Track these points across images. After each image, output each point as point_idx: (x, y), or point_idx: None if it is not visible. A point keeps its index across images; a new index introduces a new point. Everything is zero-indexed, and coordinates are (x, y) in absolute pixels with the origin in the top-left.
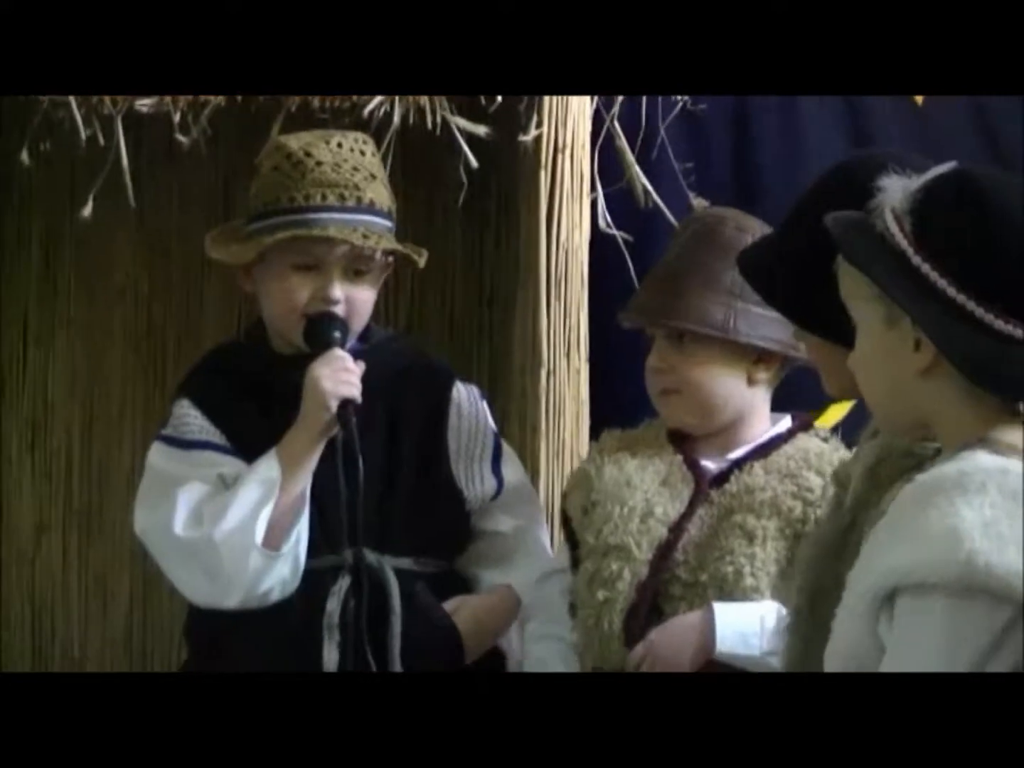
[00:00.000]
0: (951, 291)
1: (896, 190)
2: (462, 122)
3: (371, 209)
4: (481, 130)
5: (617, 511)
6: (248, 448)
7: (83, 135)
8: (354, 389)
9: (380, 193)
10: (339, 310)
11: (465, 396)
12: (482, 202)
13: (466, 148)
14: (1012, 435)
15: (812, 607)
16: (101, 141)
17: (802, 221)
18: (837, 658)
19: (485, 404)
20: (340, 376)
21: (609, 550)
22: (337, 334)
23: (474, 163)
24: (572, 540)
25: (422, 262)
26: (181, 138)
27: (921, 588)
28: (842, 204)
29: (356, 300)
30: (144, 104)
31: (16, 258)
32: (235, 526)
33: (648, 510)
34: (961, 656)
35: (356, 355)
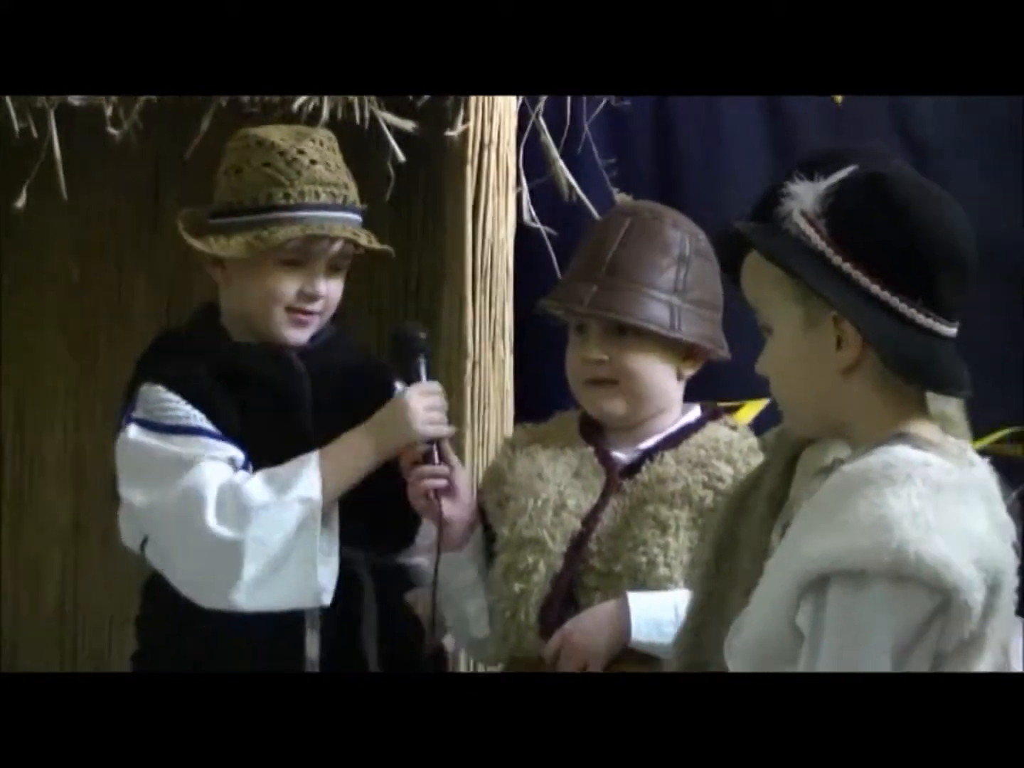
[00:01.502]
0: (875, 288)
1: (806, 194)
2: (390, 117)
3: (354, 207)
4: (408, 125)
5: (531, 504)
6: (224, 437)
7: (16, 128)
8: (443, 429)
9: (355, 190)
10: (319, 305)
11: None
12: (409, 196)
13: (394, 143)
14: (928, 431)
15: (717, 561)
16: (34, 134)
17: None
18: (751, 643)
19: None
20: (433, 416)
21: (524, 543)
22: (423, 357)
23: (401, 158)
24: (488, 533)
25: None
26: (113, 131)
27: (854, 575)
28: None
29: (333, 295)
30: (76, 98)
31: None
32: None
33: (561, 503)
34: (895, 641)
35: (318, 350)
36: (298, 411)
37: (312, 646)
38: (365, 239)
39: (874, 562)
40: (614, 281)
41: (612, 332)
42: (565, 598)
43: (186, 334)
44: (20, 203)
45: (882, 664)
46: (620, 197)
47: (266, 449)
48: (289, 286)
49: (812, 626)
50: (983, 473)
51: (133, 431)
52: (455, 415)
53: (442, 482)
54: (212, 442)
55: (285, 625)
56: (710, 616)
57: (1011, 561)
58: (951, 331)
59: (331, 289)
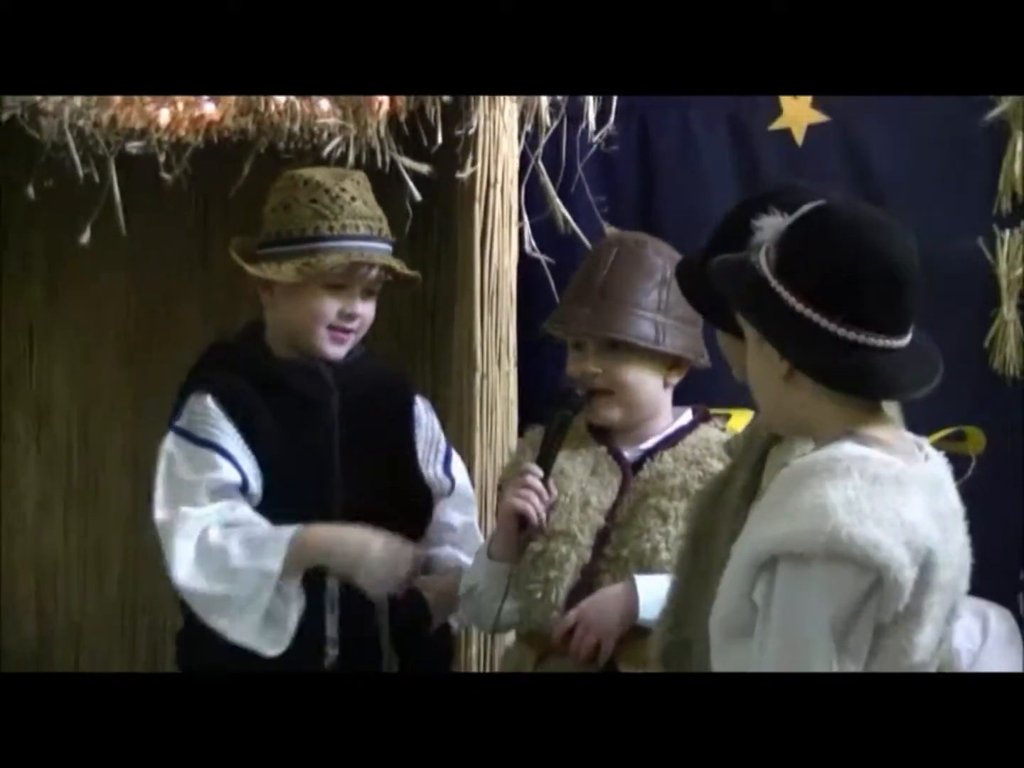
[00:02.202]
0: (799, 306)
1: (770, 227)
2: (407, 161)
3: (387, 239)
4: (424, 168)
5: (561, 499)
6: (260, 445)
7: (81, 173)
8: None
9: (386, 224)
10: (356, 324)
11: (423, 408)
12: (425, 230)
13: (411, 184)
14: (875, 429)
15: (695, 551)
16: (96, 179)
17: (720, 244)
18: (718, 619)
19: (435, 415)
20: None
21: (555, 534)
22: (580, 395)
23: (418, 197)
24: None
25: (419, 282)
26: (165, 175)
27: (796, 556)
28: (748, 230)
29: (368, 315)
30: (134, 146)
31: (23, 275)
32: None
33: (585, 499)
34: (834, 614)
35: (348, 366)
36: (326, 421)
37: (332, 626)
38: (399, 266)
39: (812, 544)
40: (605, 303)
41: (606, 348)
42: (591, 586)
43: (233, 348)
44: (85, 239)
45: (823, 634)
46: (610, 230)
47: (296, 455)
48: (332, 307)
49: (764, 601)
50: (936, 467)
51: (170, 440)
52: (466, 421)
53: (535, 505)
54: (220, 460)
55: (307, 608)
56: (691, 598)
57: (948, 543)
58: (890, 342)
59: (367, 310)
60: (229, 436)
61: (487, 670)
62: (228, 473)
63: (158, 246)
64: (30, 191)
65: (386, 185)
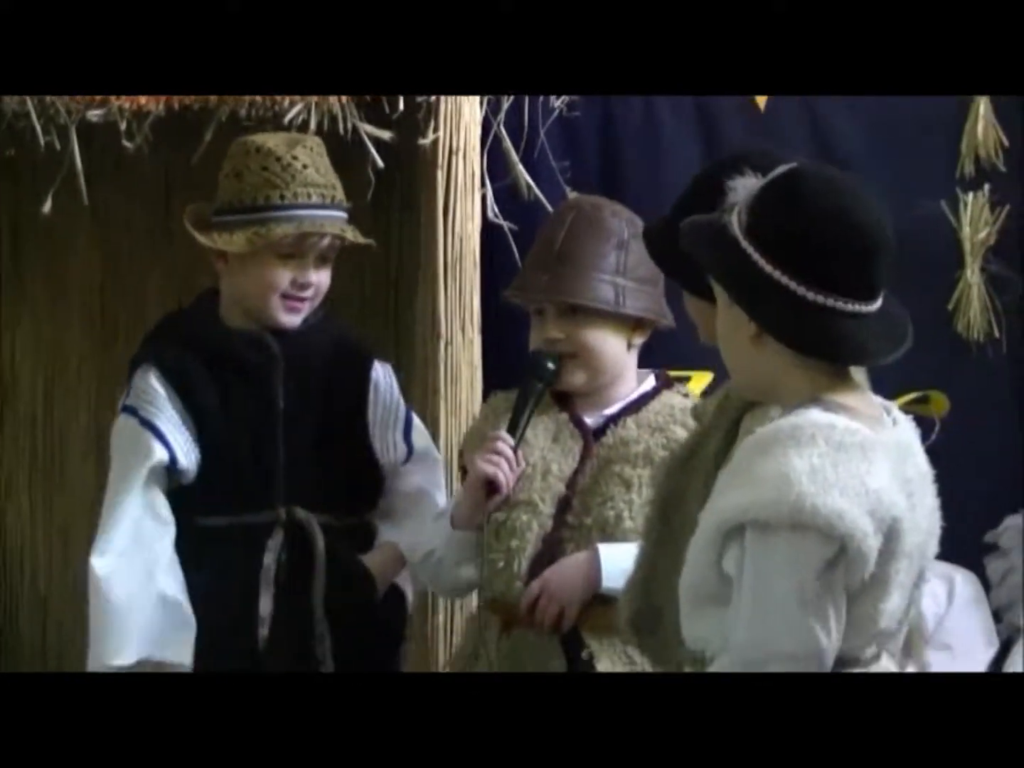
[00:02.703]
0: (768, 268)
1: (742, 189)
2: (369, 128)
3: (341, 205)
4: (386, 135)
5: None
6: (204, 419)
7: (42, 141)
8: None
9: (342, 191)
10: (310, 292)
11: (382, 374)
12: (388, 197)
13: (373, 151)
14: (843, 396)
15: (663, 515)
16: (58, 147)
17: (690, 206)
18: (687, 586)
19: (396, 380)
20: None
21: (517, 503)
22: (552, 367)
23: (380, 164)
24: None
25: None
26: (127, 144)
27: (762, 525)
28: (718, 191)
29: (323, 283)
30: (95, 114)
31: None
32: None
33: (546, 467)
34: (801, 582)
35: (298, 334)
36: (269, 391)
37: (265, 603)
38: (351, 234)
39: (776, 513)
40: (564, 268)
41: (566, 313)
42: (553, 554)
43: (185, 318)
44: (46, 209)
45: (792, 602)
46: (572, 195)
47: (239, 426)
48: (284, 276)
49: (736, 569)
50: (904, 431)
51: (120, 419)
52: (430, 388)
53: (505, 472)
54: (156, 444)
55: (239, 583)
56: (660, 564)
57: (915, 509)
58: (860, 308)
59: (321, 278)
60: (166, 415)
61: (453, 639)
62: (160, 456)
63: (121, 215)
64: None
65: (348, 152)
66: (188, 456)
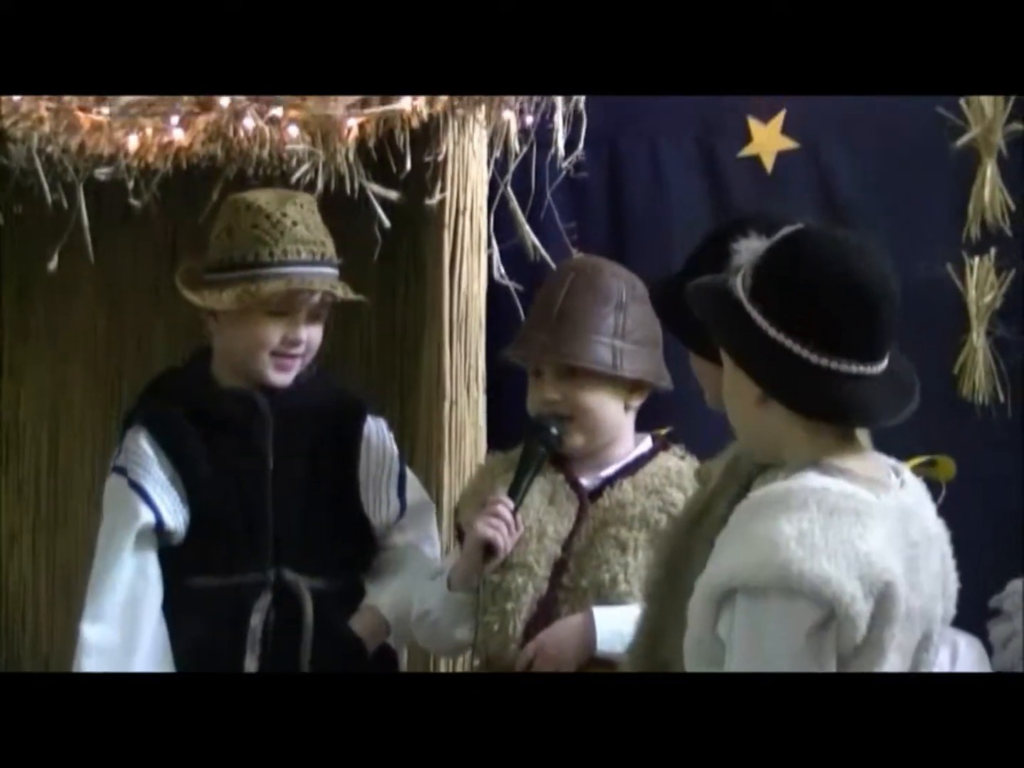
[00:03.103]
0: (772, 331)
1: (747, 252)
2: (376, 188)
3: (331, 262)
4: (393, 195)
5: None
6: (192, 479)
7: (49, 199)
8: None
9: (332, 247)
10: (300, 349)
11: (374, 429)
12: (394, 256)
13: (380, 210)
14: (845, 459)
15: (668, 576)
16: (65, 205)
17: (698, 266)
18: (688, 649)
19: (391, 436)
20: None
21: (512, 566)
22: (555, 432)
23: (387, 223)
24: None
25: (370, 306)
26: (134, 202)
27: (751, 589)
28: (727, 251)
29: (314, 340)
30: (102, 172)
31: None
32: None
33: (542, 530)
34: (790, 646)
35: (289, 392)
36: (259, 450)
37: (250, 664)
38: (341, 291)
39: (764, 577)
40: (562, 330)
41: (564, 374)
42: (548, 616)
43: (177, 377)
44: (52, 265)
45: (781, 664)
46: (579, 256)
47: (227, 485)
48: (274, 333)
49: (729, 633)
50: (911, 493)
51: (110, 480)
52: (435, 448)
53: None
54: (142, 507)
55: (225, 644)
56: (666, 624)
57: (919, 572)
58: (864, 370)
59: (312, 335)
60: (154, 476)
61: None
62: (147, 518)
63: (127, 273)
64: None
65: (355, 211)
66: (175, 517)
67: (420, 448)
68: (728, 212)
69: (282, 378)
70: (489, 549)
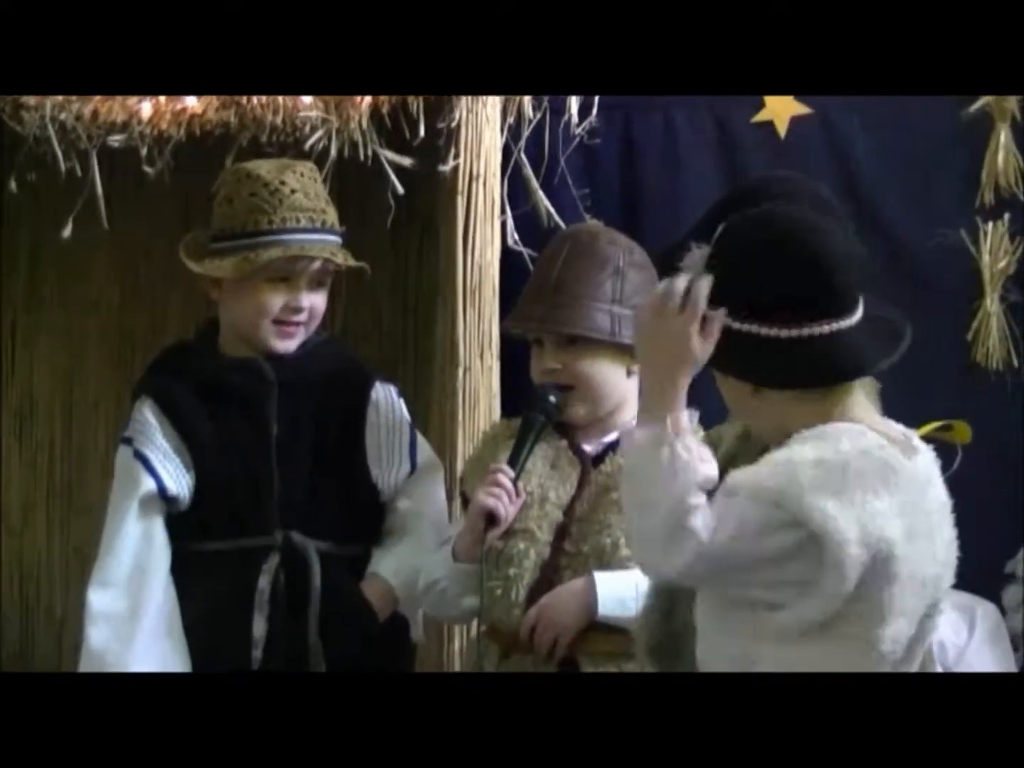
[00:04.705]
0: (735, 325)
1: (692, 263)
2: (390, 155)
3: (332, 229)
4: (406, 161)
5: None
6: (197, 446)
7: (63, 167)
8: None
9: (334, 215)
10: (303, 316)
11: (383, 395)
12: (407, 224)
13: (393, 177)
14: (870, 420)
15: None
16: (79, 172)
17: (708, 231)
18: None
19: (401, 400)
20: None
21: (514, 532)
22: (555, 401)
23: (400, 190)
24: None
25: (368, 274)
26: (148, 169)
27: (752, 494)
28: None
29: (317, 307)
30: (116, 140)
31: (5, 272)
32: None
33: (543, 495)
34: (758, 552)
35: (295, 359)
36: (263, 417)
37: (259, 625)
38: (341, 258)
39: (764, 491)
40: (560, 298)
41: (563, 343)
42: (551, 582)
43: (185, 348)
44: (66, 233)
45: (746, 567)
46: (592, 223)
47: (233, 453)
48: (275, 301)
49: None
50: (925, 460)
51: (121, 453)
52: (448, 415)
53: (505, 504)
54: (144, 476)
55: (234, 605)
56: (680, 592)
57: (933, 539)
58: (837, 325)
59: (314, 301)
60: (157, 444)
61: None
62: (148, 485)
63: (141, 240)
64: (12, 185)
65: (368, 178)
66: (179, 484)
67: (434, 415)
68: (741, 177)
69: (286, 345)
70: (490, 518)
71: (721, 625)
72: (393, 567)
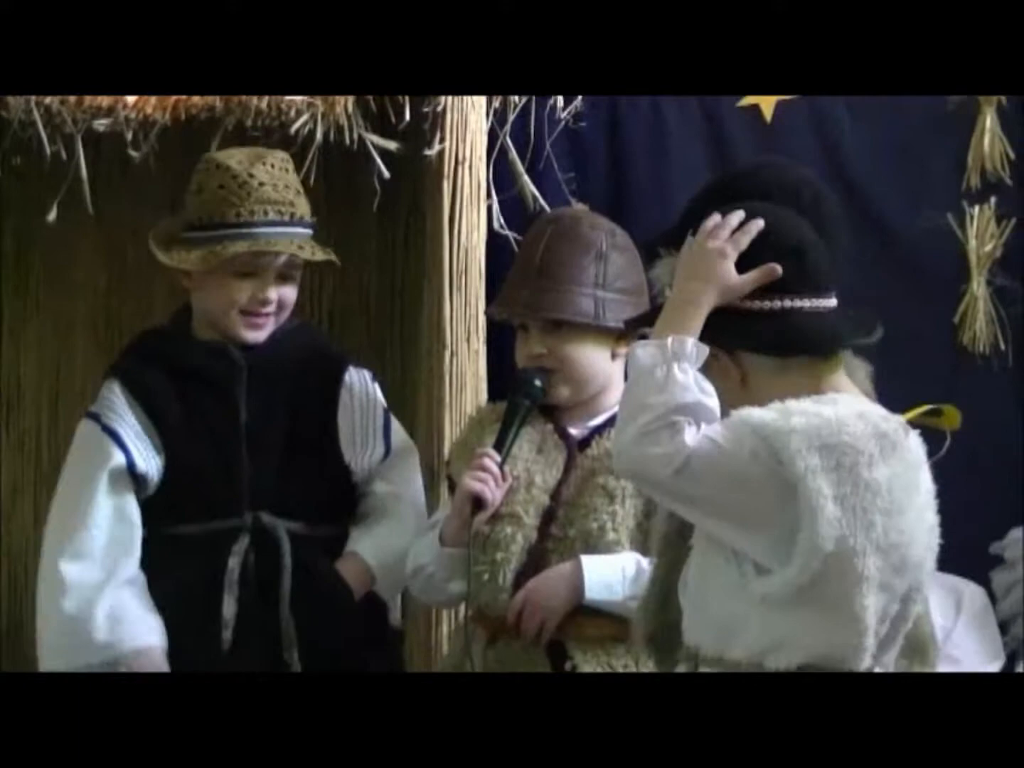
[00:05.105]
0: None
1: (665, 270)
2: (376, 138)
3: (301, 222)
4: (392, 145)
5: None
6: (166, 429)
7: (48, 151)
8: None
9: (304, 206)
10: (271, 308)
11: (357, 379)
12: (393, 207)
13: (379, 161)
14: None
15: (680, 532)
16: (64, 156)
17: (698, 216)
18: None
19: (376, 385)
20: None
21: (501, 516)
22: (539, 385)
23: (386, 174)
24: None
25: (338, 262)
26: (133, 153)
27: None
28: (728, 200)
29: (286, 299)
30: (101, 124)
31: None
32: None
33: (530, 479)
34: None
35: (265, 345)
36: (231, 401)
37: (228, 607)
38: (309, 251)
39: (757, 423)
40: (543, 283)
41: (548, 328)
42: (538, 566)
43: (159, 333)
44: (51, 217)
45: (722, 486)
46: (578, 207)
47: (201, 438)
48: (241, 293)
49: None
50: (916, 443)
51: (85, 427)
52: (435, 399)
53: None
54: (114, 449)
55: (203, 587)
56: (678, 579)
57: (919, 521)
58: (816, 303)
59: (283, 293)
60: (127, 422)
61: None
62: (119, 460)
63: (127, 223)
64: None
65: (354, 162)
66: (148, 463)
67: (421, 398)
68: (728, 161)
69: (254, 335)
70: (477, 502)
71: (707, 588)
72: (371, 546)
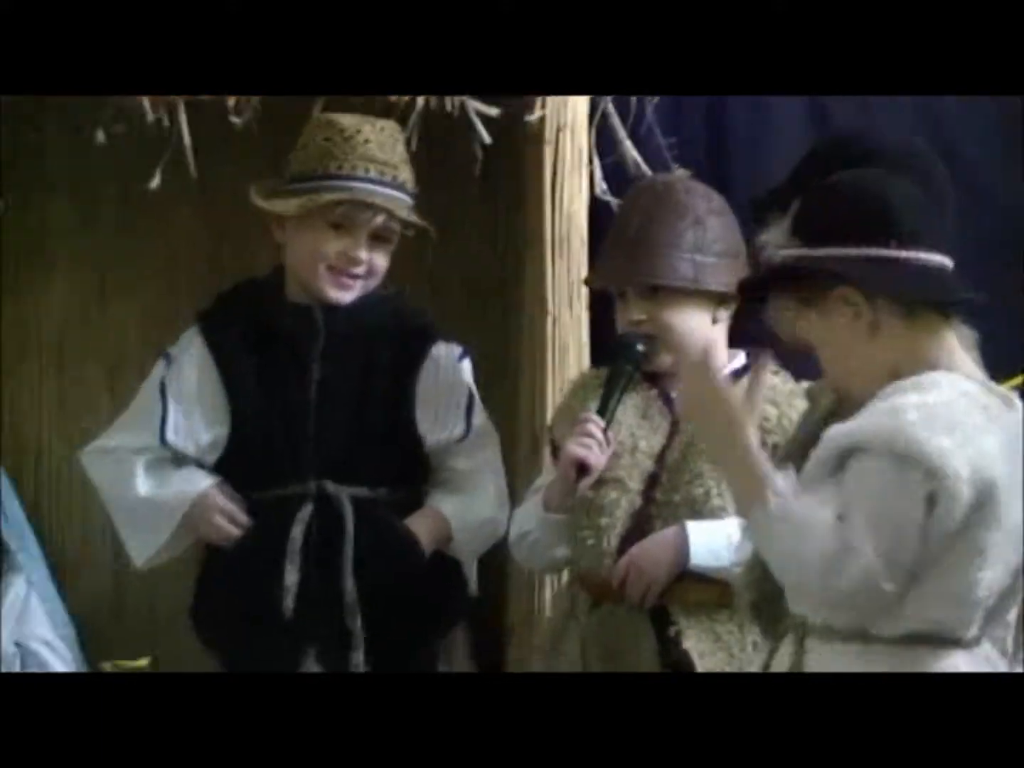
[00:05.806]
0: (853, 251)
1: (776, 231)
2: (477, 104)
3: (403, 187)
4: (493, 111)
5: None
6: (235, 392)
7: (150, 117)
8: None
9: (409, 174)
10: (360, 269)
11: (444, 354)
12: (495, 173)
13: (480, 127)
14: (971, 370)
15: None
16: (166, 123)
17: (803, 179)
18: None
19: (466, 363)
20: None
21: (605, 481)
22: (641, 349)
23: (487, 140)
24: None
25: (434, 236)
26: (235, 119)
27: (862, 450)
28: (832, 164)
29: (376, 263)
30: None
31: (93, 221)
32: None
33: (634, 444)
34: (902, 514)
35: (349, 309)
36: (306, 363)
37: (291, 574)
38: (405, 213)
39: (874, 439)
40: (640, 249)
41: (647, 294)
42: (642, 531)
43: (252, 285)
44: (155, 183)
45: (895, 529)
46: (680, 172)
47: (272, 395)
48: (332, 246)
49: (844, 492)
50: (1020, 416)
51: (158, 367)
52: (539, 365)
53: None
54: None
55: (267, 554)
56: None
57: (1011, 487)
58: (941, 259)
59: (374, 257)
60: (184, 395)
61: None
62: (150, 441)
63: (229, 190)
64: (100, 136)
65: (455, 128)
66: (186, 440)
67: (524, 365)
68: (829, 123)
69: (340, 295)
70: (581, 467)
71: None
72: (452, 506)
